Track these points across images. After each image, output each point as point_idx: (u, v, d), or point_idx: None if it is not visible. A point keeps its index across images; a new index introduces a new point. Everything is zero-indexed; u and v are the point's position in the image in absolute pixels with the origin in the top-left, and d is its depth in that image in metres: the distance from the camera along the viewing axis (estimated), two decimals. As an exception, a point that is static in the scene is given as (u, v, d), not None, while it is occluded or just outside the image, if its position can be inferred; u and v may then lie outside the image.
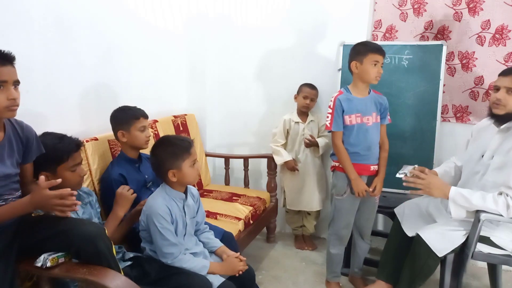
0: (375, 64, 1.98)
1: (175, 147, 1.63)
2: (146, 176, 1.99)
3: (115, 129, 1.96)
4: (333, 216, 2.20)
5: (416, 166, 1.90)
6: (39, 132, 1.57)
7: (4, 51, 1.26)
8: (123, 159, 1.96)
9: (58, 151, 1.50)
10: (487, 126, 1.96)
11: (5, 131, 1.37)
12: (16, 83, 1.30)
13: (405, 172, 1.88)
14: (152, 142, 1.89)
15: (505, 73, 1.83)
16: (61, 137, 1.55)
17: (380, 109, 2.11)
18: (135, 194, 1.79)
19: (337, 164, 2.14)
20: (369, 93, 2.10)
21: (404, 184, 1.87)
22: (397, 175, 1.88)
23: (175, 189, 1.67)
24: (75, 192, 1.34)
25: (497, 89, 1.83)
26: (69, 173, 1.53)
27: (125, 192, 1.76)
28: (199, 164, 1.70)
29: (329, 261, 2.30)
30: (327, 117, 2.08)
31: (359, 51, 2.01)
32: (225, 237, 1.95)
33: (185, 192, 1.71)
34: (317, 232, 2.99)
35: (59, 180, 1.33)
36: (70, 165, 1.53)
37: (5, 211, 1.29)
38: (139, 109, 1.99)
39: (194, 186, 1.85)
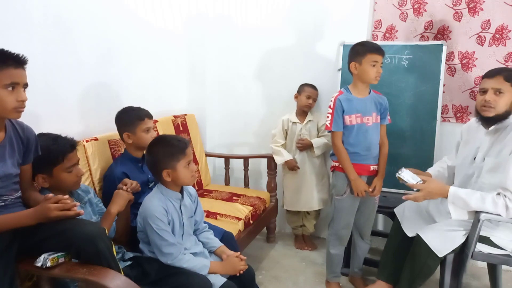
0: (374, 65, 1.97)
1: (170, 147, 1.64)
2: (149, 176, 1.99)
3: (120, 131, 1.97)
4: (333, 216, 2.20)
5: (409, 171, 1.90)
6: (38, 132, 1.57)
7: (18, 54, 1.27)
8: (127, 158, 1.97)
9: (52, 152, 1.49)
10: (476, 128, 1.96)
11: (6, 131, 1.37)
12: (25, 86, 1.31)
13: (404, 178, 1.87)
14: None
15: (490, 74, 1.82)
16: (55, 138, 1.54)
17: (380, 109, 2.11)
18: (131, 195, 1.77)
19: (336, 164, 2.13)
20: (369, 93, 2.10)
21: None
22: (397, 175, 1.89)
23: (171, 188, 1.67)
24: (77, 203, 1.36)
25: (484, 91, 1.82)
26: (65, 174, 1.52)
27: (121, 190, 1.74)
28: (194, 166, 1.68)
29: (329, 261, 2.30)
30: (327, 117, 2.08)
31: (357, 52, 2.00)
32: (225, 237, 1.95)
33: (181, 192, 1.72)
34: (317, 232, 2.99)
35: (66, 196, 1.34)
36: (66, 166, 1.52)
37: (9, 219, 1.30)
38: (143, 109, 2.00)
39: (194, 186, 1.85)
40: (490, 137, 1.85)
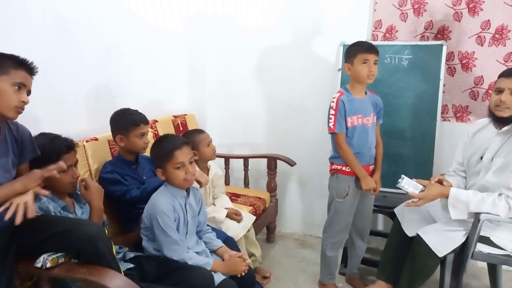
0: (364, 62, 1.95)
1: (161, 148, 1.66)
2: (144, 178, 2.00)
3: (113, 133, 1.96)
4: (332, 219, 2.17)
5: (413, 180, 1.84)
6: (39, 132, 1.57)
7: (33, 63, 1.37)
8: (120, 160, 1.97)
9: (47, 152, 1.48)
10: (484, 128, 1.94)
11: (1, 131, 1.37)
12: (29, 92, 1.38)
13: (404, 188, 1.82)
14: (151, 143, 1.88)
15: (507, 74, 1.78)
16: (52, 138, 1.53)
17: (376, 109, 2.11)
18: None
19: (339, 167, 2.09)
20: (366, 93, 2.09)
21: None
22: (398, 185, 1.84)
23: (175, 186, 1.69)
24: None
25: (499, 90, 1.78)
26: (60, 175, 1.48)
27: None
28: (189, 168, 1.65)
29: (325, 263, 2.27)
30: (330, 118, 2.03)
31: (349, 53, 2.01)
32: (227, 241, 1.94)
33: (187, 190, 1.73)
34: (314, 231, 2.98)
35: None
36: None
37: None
38: (140, 114, 1.97)
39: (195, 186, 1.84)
40: (501, 138, 1.82)
